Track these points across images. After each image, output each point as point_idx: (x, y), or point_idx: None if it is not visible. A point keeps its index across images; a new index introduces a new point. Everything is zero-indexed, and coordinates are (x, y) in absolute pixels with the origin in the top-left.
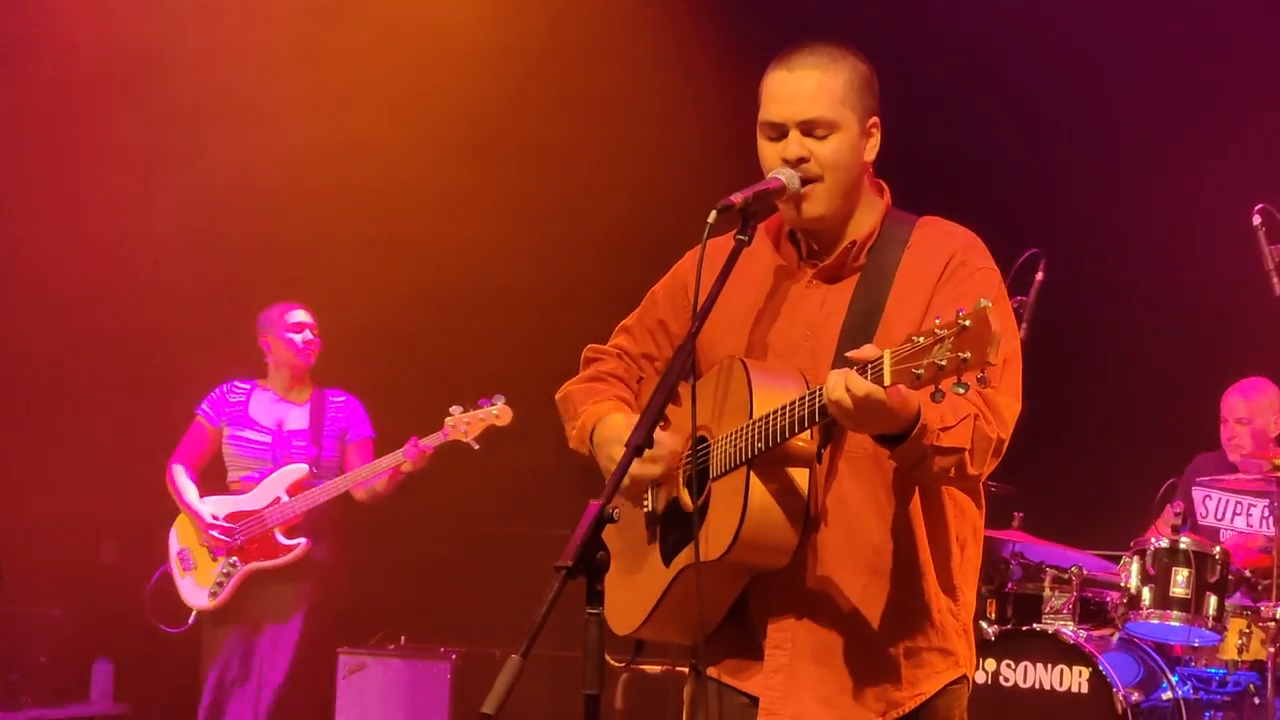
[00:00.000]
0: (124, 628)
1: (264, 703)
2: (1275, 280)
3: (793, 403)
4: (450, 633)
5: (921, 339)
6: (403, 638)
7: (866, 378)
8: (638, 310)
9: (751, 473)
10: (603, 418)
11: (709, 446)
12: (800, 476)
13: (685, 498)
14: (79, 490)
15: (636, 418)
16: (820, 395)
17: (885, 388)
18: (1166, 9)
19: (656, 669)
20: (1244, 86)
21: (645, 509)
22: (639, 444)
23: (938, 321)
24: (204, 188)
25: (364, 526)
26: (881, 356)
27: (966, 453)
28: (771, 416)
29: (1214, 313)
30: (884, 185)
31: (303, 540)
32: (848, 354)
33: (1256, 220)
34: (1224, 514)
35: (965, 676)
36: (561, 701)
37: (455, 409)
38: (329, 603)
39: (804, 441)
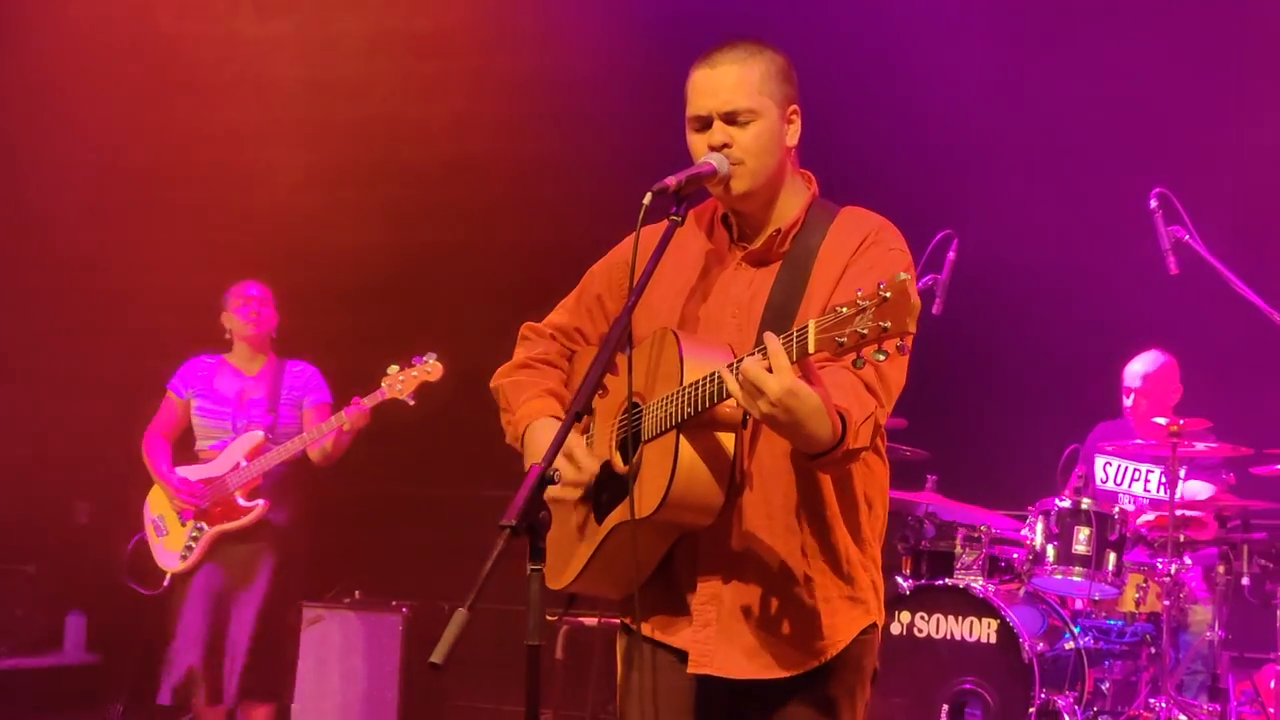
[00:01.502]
0: (95, 583)
1: (237, 660)
2: (1171, 259)
3: (718, 372)
4: (402, 587)
5: (844, 309)
6: (357, 592)
7: (793, 345)
8: (576, 288)
9: (681, 436)
10: (533, 423)
11: (641, 412)
12: (726, 441)
13: (618, 461)
14: (53, 455)
15: (572, 436)
16: (734, 370)
17: (813, 381)
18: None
19: (593, 622)
20: (1141, 78)
21: (553, 481)
22: (579, 411)
23: (859, 293)
24: (180, 164)
25: (323, 490)
26: (806, 326)
27: (866, 450)
28: (700, 383)
29: (1114, 289)
30: (811, 176)
31: (261, 502)
32: (767, 336)
33: (1153, 204)
34: (1122, 479)
35: (876, 624)
36: (506, 652)
37: (392, 368)
38: (291, 562)
39: (730, 408)
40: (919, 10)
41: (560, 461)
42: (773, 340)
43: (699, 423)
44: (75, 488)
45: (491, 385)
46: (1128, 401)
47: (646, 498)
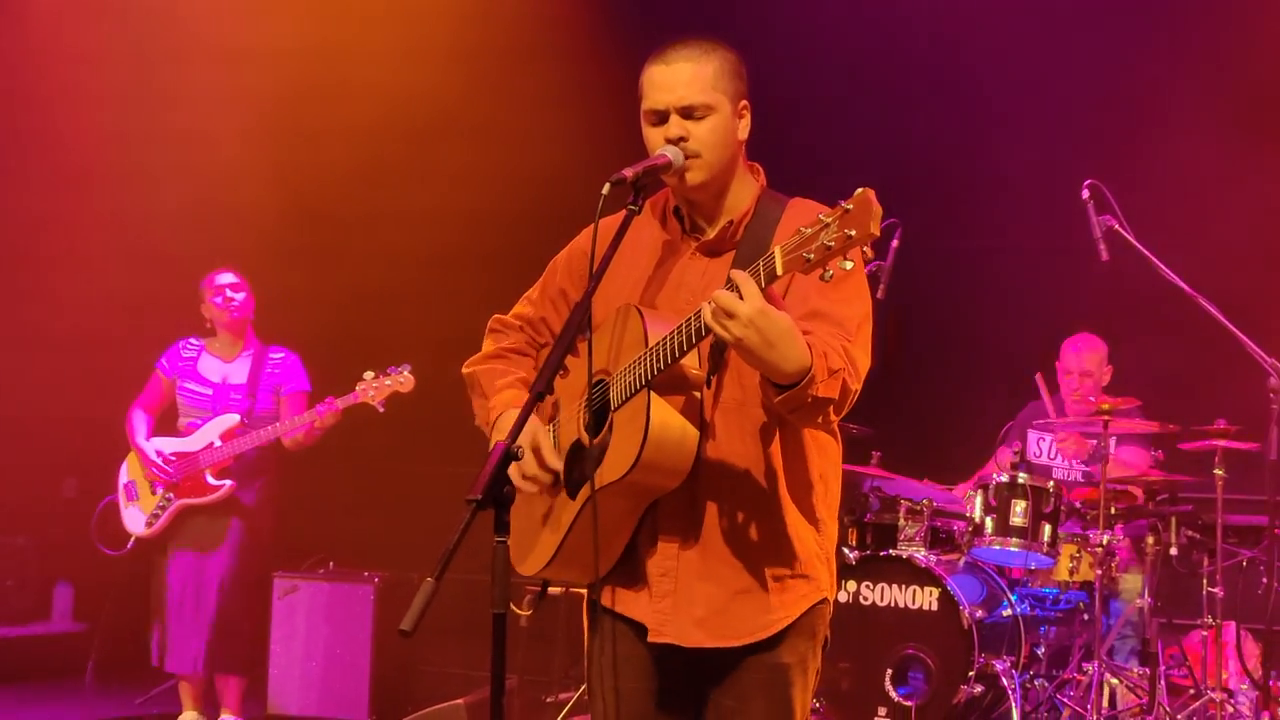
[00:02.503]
0: (83, 555)
1: (204, 622)
2: (1102, 247)
3: (688, 320)
4: (373, 558)
5: (808, 229)
6: (331, 563)
7: (760, 272)
8: (540, 281)
9: (651, 394)
10: (506, 412)
11: (607, 386)
12: (692, 402)
13: (585, 437)
14: (42, 432)
15: (540, 428)
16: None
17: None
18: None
19: (557, 590)
20: (1076, 75)
21: (517, 458)
22: (540, 391)
23: (821, 215)
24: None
25: (298, 466)
26: (773, 252)
27: (833, 405)
28: (668, 337)
29: (1048, 275)
30: (759, 168)
31: (228, 482)
32: (733, 273)
33: (1085, 194)
34: (1055, 454)
35: (827, 599)
36: (473, 620)
37: (368, 374)
38: (257, 538)
39: (695, 369)
40: (862, 6)
41: (526, 456)
42: (738, 273)
43: (666, 382)
44: (63, 464)
45: (464, 371)
46: (1065, 380)
47: (619, 460)
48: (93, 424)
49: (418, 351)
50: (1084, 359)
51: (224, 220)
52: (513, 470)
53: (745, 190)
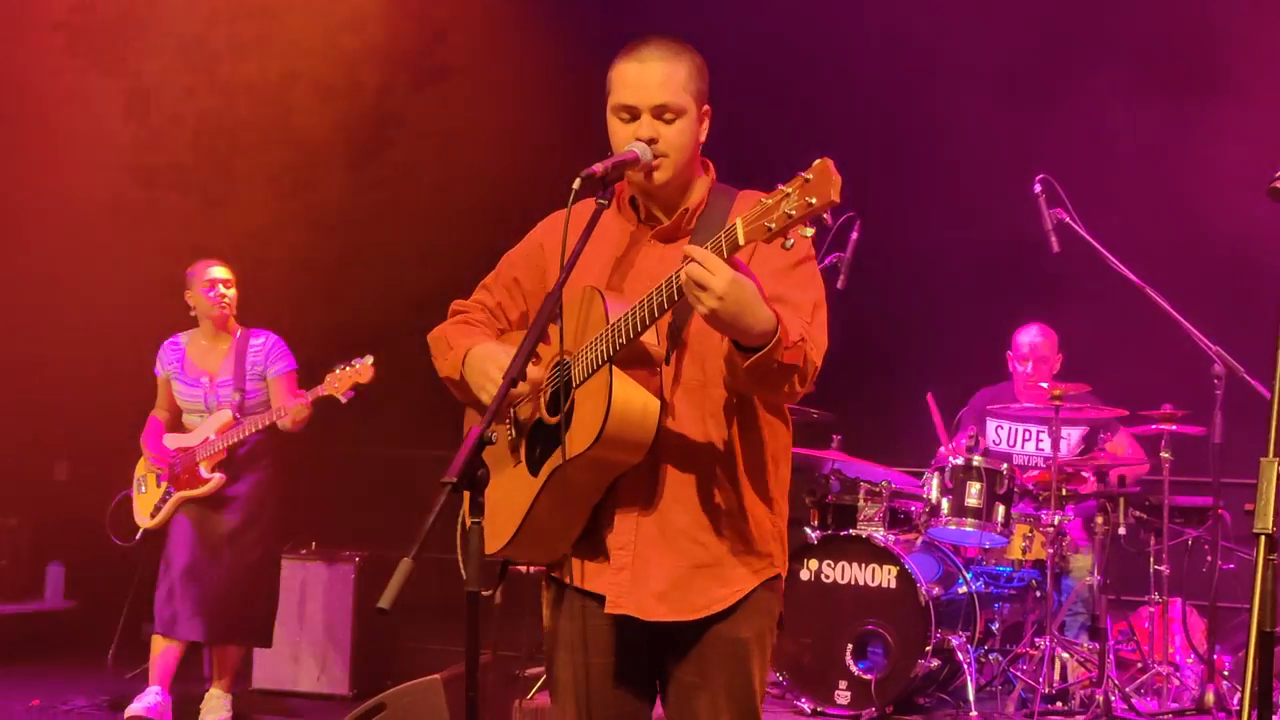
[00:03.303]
0: (74, 535)
1: (205, 605)
2: (1053, 239)
3: (649, 295)
4: (355, 539)
5: (768, 199)
6: (314, 543)
7: (722, 245)
8: (494, 271)
9: (613, 369)
10: (473, 348)
11: (569, 365)
12: (653, 378)
13: (547, 414)
14: (35, 417)
15: (507, 346)
16: (676, 278)
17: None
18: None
19: (528, 570)
20: (1025, 72)
21: (509, 437)
22: (514, 376)
23: (781, 186)
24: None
25: (284, 450)
26: (734, 224)
27: (797, 373)
28: (632, 312)
29: (1001, 266)
30: (709, 163)
31: (219, 475)
32: (689, 249)
33: (1037, 189)
34: (1014, 441)
35: (780, 575)
36: (449, 598)
37: (338, 368)
38: (260, 521)
39: (655, 346)
40: (828, 8)
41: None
42: (694, 249)
43: (628, 359)
44: (55, 448)
45: (430, 337)
46: (1019, 368)
47: (583, 435)
48: (84, 410)
49: (396, 340)
50: (1037, 346)
51: (214, 213)
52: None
53: (699, 183)
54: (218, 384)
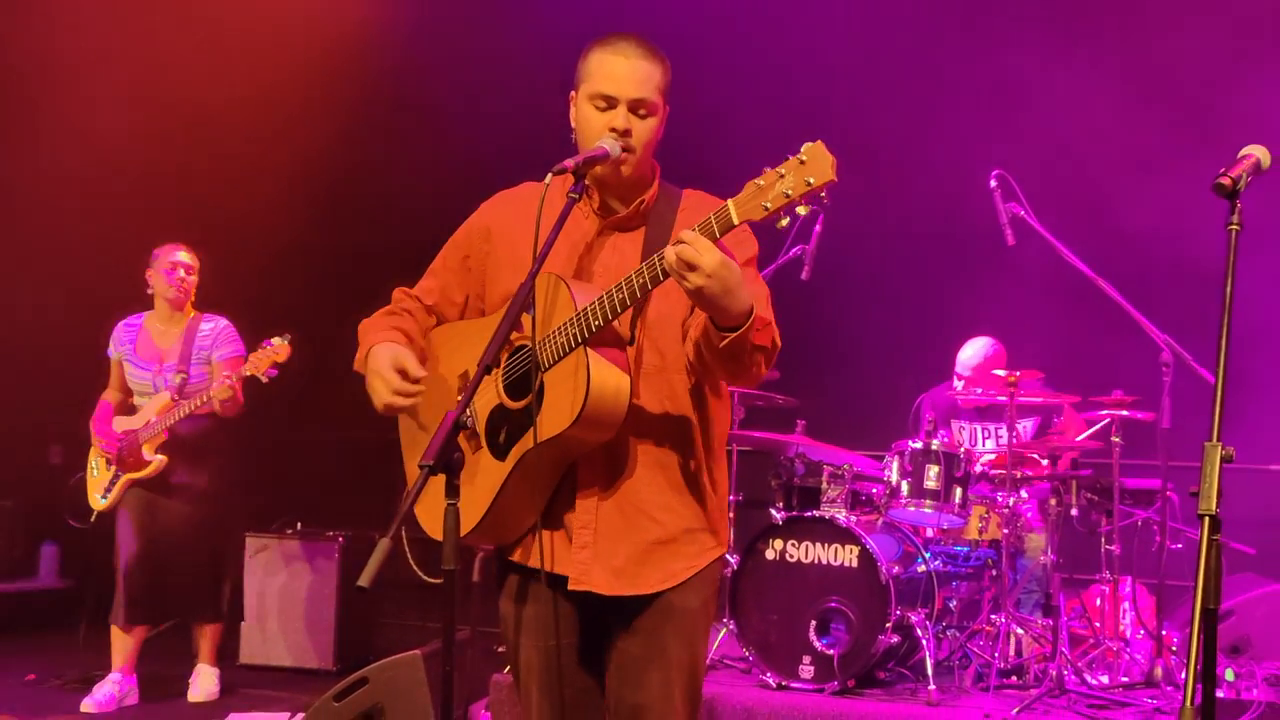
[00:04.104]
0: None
1: (163, 589)
2: (1008, 231)
3: (630, 278)
4: (337, 520)
5: (760, 181)
6: (299, 524)
7: (713, 226)
8: (440, 255)
9: (589, 351)
10: (375, 347)
11: (529, 351)
12: (621, 358)
13: (508, 399)
14: (29, 402)
15: (396, 348)
16: (659, 261)
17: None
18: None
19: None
20: (984, 70)
21: (466, 427)
22: (488, 364)
23: (773, 169)
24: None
25: (273, 434)
26: (727, 205)
27: (765, 353)
28: (608, 295)
29: (959, 258)
30: (655, 162)
31: (160, 456)
32: (682, 234)
33: (993, 184)
34: (975, 441)
35: (724, 553)
36: (429, 576)
37: (258, 348)
38: (213, 509)
39: (622, 329)
40: (784, 9)
41: (390, 375)
42: (687, 233)
43: (598, 341)
44: (50, 433)
45: (359, 326)
46: (958, 384)
47: (556, 418)
48: (78, 395)
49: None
50: (976, 367)
51: (176, 194)
52: (386, 391)
53: (651, 178)
54: (166, 367)
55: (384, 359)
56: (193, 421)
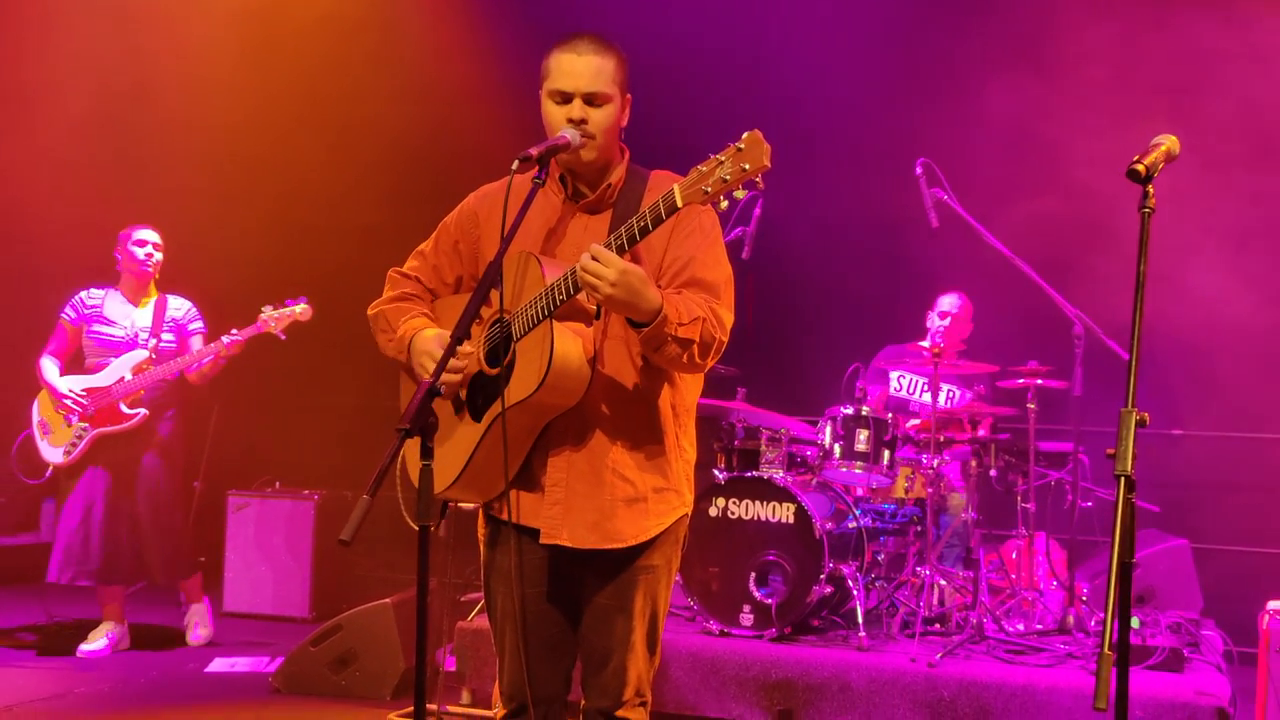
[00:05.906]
0: None
1: (147, 545)
2: (932, 215)
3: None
4: (314, 478)
5: (703, 167)
6: (277, 483)
7: (660, 207)
8: (432, 237)
9: (554, 323)
10: (419, 331)
11: (508, 323)
12: (586, 331)
13: (486, 367)
14: (30, 367)
15: (442, 331)
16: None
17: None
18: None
19: (471, 506)
20: (909, 64)
21: (439, 394)
22: (460, 336)
23: (714, 155)
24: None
25: (253, 395)
26: (672, 190)
27: (695, 345)
28: (566, 275)
29: (888, 239)
30: (625, 147)
31: (141, 411)
32: (590, 247)
33: (919, 171)
34: (913, 390)
35: (687, 513)
36: (401, 532)
37: (266, 308)
38: (172, 460)
39: (588, 304)
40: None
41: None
42: (595, 247)
43: (565, 315)
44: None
45: (370, 313)
46: (936, 323)
47: (525, 382)
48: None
49: (347, 291)
50: (954, 314)
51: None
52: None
53: (619, 163)
54: (137, 330)
55: (434, 342)
56: (165, 384)
